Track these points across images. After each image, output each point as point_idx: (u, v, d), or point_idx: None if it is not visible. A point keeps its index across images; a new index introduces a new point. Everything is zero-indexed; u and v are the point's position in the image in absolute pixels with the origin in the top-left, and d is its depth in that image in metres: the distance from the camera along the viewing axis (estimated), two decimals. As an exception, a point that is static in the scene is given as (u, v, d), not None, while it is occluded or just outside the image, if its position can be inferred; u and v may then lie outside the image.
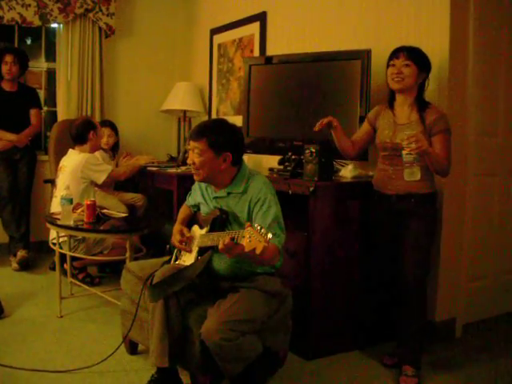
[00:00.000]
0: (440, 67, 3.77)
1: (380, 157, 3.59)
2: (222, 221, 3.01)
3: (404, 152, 3.27)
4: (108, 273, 5.38)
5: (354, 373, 3.54)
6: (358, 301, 3.81)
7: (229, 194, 3.08)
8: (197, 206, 3.35)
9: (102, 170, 4.79)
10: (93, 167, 4.74)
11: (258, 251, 2.47)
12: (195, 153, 3.00)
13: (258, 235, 2.48)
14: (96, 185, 4.87)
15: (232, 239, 2.62)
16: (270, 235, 2.50)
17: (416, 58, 3.40)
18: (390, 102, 3.55)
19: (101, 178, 4.77)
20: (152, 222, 4.48)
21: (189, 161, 3.08)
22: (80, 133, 4.86)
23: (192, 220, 3.34)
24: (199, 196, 3.29)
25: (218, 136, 3.00)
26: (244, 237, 2.52)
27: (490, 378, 3.49)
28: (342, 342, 3.80)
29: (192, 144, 3.02)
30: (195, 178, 3.11)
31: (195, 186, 3.37)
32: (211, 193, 3.17)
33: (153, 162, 5.51)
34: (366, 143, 3.74)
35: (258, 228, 2.51)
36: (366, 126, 3.71)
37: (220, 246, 2.68)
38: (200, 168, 3.01)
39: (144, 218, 5.34)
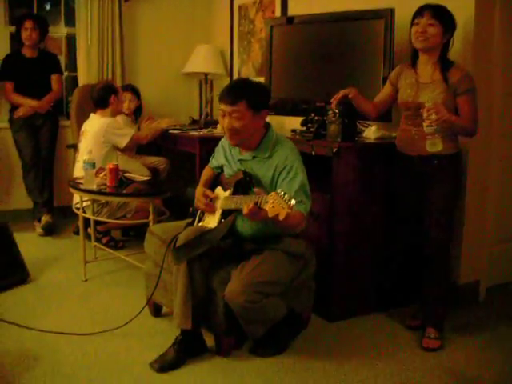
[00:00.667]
0: (465, 26, 3.69)
1: (403, 117, 3.54)
2: (245, 183, 3.00)
3: (424, 124, 3.20)
4: (132, 236, 5.41)
5: (376, 334, 3.54)
6: (382, 263, 3.80)
7: (254, 157, 3.07)
8: (220, 168, 3.34)
9: (124, 134, 4.79)
10: (115, 131, 4.74)
11: (281, 217, 2.47)
12: (234, 117, 2.95)
13: (282, 201, 2.47)
14: (118, 149, 4.87)
15: (256, 203, 2.61)
16: (293, 202, 2.49)
17: (441, 17, 3.31)
18: (413, 61, 3.49)
19: (123, 142, 4.77)
20: (175, 185, 4.48)
21: (226, 125, 3.00)
22: (101, 97, 4.86)
23: (215, 182, 3.33)
24: (222, 158, 3.27)
25: (255, 95, 2.99)
26: (267, 202, 2.51)
27: (512, 342, 3.49)
28: (365, 304, 3.81)
29: (228, 108, 2.96)
30: (232, 142, 3.08)
31: (219, 147, 3.36)
32: (236, 155, 3.15)
33: (175, 126, 5.49)
34: (388, 104, 3.69)
35: (282, 194, 2.50)
36: (387, 87, 3.65)
37: (244, 211, 2.67)
38: (241, 132, 2.97)
39: (167, 181, 5.35)
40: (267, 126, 3.12)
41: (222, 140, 3.34)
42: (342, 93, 3.62)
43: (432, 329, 3.41)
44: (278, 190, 2.54)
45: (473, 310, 3.91)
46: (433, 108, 3.14)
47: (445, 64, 3.35)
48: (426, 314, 3.51)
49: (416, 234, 3.52)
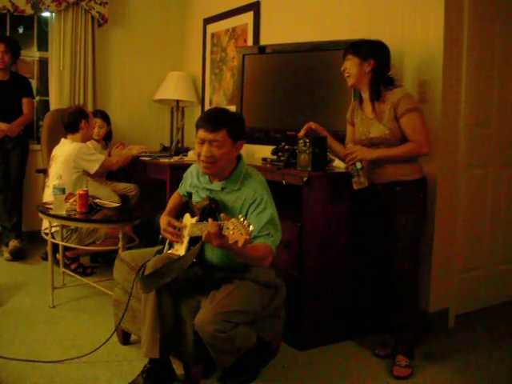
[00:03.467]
0: (434, 58, 3.77)
1: None
2: (211, 210, 2.99)
3: (347, 165, 3.40)
4: (100, 263, 5.38)
5: (347, 363, 3.54)
6: (351, 292, 3.81)
7: (223, 189, 3.07)
8: (189, 195, 3.34)
9: (95, 159, 4.77)
10: (85, 157, 4.72)
11: (239, 243, 2.47)
12: (214, 145, 2.93)
13: (241, 227, 2.47)
14: (88, 174, 4.86)
15: (218, 227, 2.60)
16: (251, 228, 2.49)
17: (355, 49, 3.43)
18: (360, 98, 3.58)
19: (93, 168, 4.75)
20: (144, 212, 4.47)
21: (204, 153, 2.96)
22: (72, 121, 4.84)
23: (184, 208, 3.32)
24: (190, 185, 3.27)
25: (235, 125, 3.00)
26: (228, 228, 2.51)
27: (483, 368, 3.50)
28: (336, 332, 3.81)
29: (209, 136, 2.94)
30: (207, 171, 3.05)
31: (186, 174, 3.36)
32: (204, 183, 3.15)
33: (145, 152, 5.50)
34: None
35: (242, 220, 2.50)
36: (349, 128, 3.74)
37: (204, 236, 2.65)
38: (218, 160, 2.96)
39: (136, 208, 5.33)
40: (238, 157, 3.13)
41: (191, 167, 3.33)
42: (307, 126, 3.70)
43: (402, 356, 3.42)
44: (239, 216, 2.54)
45: (442, 338, 3.93)
46: (348, 150, 3.40)
47: (376, 95, 3.42)
48: (396, 342, 3.52)
49: (383, 263, 3.54)
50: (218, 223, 2.60)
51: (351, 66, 3.43)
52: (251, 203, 2.96)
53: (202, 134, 2.96)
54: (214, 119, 2.98)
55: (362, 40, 3.47)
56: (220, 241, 2.60)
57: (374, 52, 3.41)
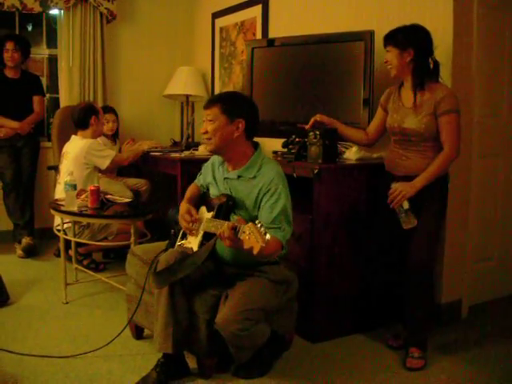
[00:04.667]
0: (444, 48, 3.73)
1: (392, 140, 3.58)
2: (227, 208, 3.00)
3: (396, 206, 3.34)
4: (113, 259, 5.39)
5: (359, 355, 3.54)
6: (364, 284, 3.80)
7: (239, 177, 3.07)
8: (206, 187, 3.33)
9: (106, 155, 4.78)
10: (96, 153, 4.73)
11: (254, 251, 2.50)
12: (207, 120, 3.00)
13: (258, 234, 2.47)
14: (99, 170, 4.87)
15: (234, 230, 2.61)
16: (268, 236, 2.50)
17: (394, 39, 3.38)
18: (401, 85, 3.53)
19: (104, 164, 4.76)
20: (156, 207, 4.48)
21: (201, 130, 3.06)
22: (82, 118, 4.85)
23: (201, 200, 3.31)
24: (210, 175, 3.27)
25: (231, 102, 3.02)
26: (244, 232, 2.52)
27: (496, 360, 3.49)
28: (348, 325, 3.81)
29: (205, 113, 3.02)
30: (207, 148, 3.10)
31: (208, 165, 3.35)
32: (223, 173, 3.16)
33: (156, 148, 5.50)
34: (383, 129, 3.69)
35: (259, 226, 2.50)
36: (379, 112, 3.69)
37: (221, 236, 2.69)
38: (212, 136, 2.99)
39: (148, 203, 5.34)
40: (256, 146, 3.13)
41: (213, 157, 3.34)
42: (313, 119, 3.72)
43: (415, 348, 3.41)
44: (256, 222, 2.55)
45: (455, 329, 3.92)
46: (391, 191, 3.33)
47: (418, 85, 3.37)
48: (409, 334, 3.51)
49: (399, 254, 3.51)
50: (234, 226, 2.61)
51: (392, 58, 3.38)
52: (266, 192, 2.96)
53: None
54: (211, 97, 3.10)
55: (399, 28, 3.39)
56: (234, 243, 2.62)
57: (412, 40, 3.35)
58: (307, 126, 3.70)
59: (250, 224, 2.53)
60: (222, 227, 2.69)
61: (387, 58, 3.43)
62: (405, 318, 3.57)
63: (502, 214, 4.42)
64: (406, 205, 3.30)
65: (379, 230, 3.63)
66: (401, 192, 3.29)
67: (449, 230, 3.88)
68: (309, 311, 3.63)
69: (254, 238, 2.47)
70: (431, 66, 3.41)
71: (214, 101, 3.03)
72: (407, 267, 3.44)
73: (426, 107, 3.31)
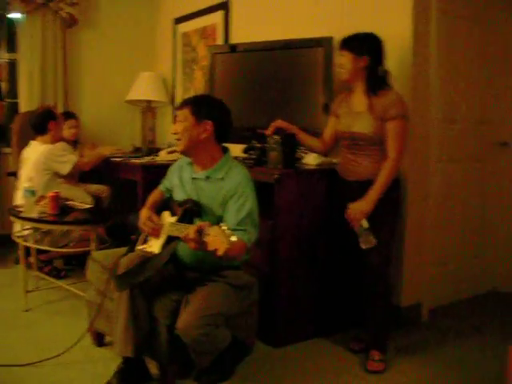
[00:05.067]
0: (403, 53, 3.79)
1: (341, 145, 3.62)
2: (192, 212, 3.00)
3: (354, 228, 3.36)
4: (74, 265, 5.33)
5: (321, 359, 3.56)
6: (325, 288, 3.83)
7: (207, 178, 3.07)
8: (170, 192, 3.33)
9: (66, 160, 4.74)
10: (56, 158, 4.69)
11: (219, 252, 2.49)
12: (178, 121, 3.04)
13: (223, 237, 2.48)
14: (60, 176, 4.82)
15: (198, 232, 2.62)
16: (234, 238, 2.50)
17: (349, 44, 3.42)
18: (351, 90, 3.57)
19: (65, 169, 4.72)
20: (116, 213, 4.45)
21: (172, 130, 3.11)
22: (40, 123, 4.81)
23: (164, 205, 3.31)
24: (176, 177, 3.26)
25: (201, 104, 3.06)
26: (209, 234, 2.52)
27: (455, 362, 3.54)
28: (309, 329, 3.82)
29: (177, 114, 3.08)
30: (177, 148, 3.13)
31: (173, 167, 3.36)
32: (190, 173, 3.16)
33: (117, 153, 5.47)
34: (335, 134, 3.71)
35: (225, 228, 2.51)
36: (331, 119, 3.72)
37: (186, 238, 2.69)
38: (181, 136, 3.02)
39: (108, 209, 5.30)
40: (225, 149, 3.16)
41: (180, 160, 3.34)
42: (273, 124, 3.74)
43: (376, 351, 3.45)
44: (221, 224, 2.55)
45: (416, 332, 3.97)
46: (348, 212, 3.35)
47: (371, 90, 3.42)
48: (369, 337, 3.54)
49: (356, 259, 3.55)
50: (199, 228, 2.61)
51: (346, 62, 3.42)
52: (233, 195, 2.97)
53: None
54: (184, 100, 3.15)
55: (355, 35, 3.44)
56: (198, 245, 2.63)
57: (368, 48, 3.41)
58: (268, 132, 3.72)
59: (214, 226, 2.54)
60: (187, 230, 2.70)
61: (341, 62, 3.47)
62: (364, 322, 3.60)
63: (461, 217, 4.50)
64: (365, 224, 3.32)
65: (339, 233, 3.65)
66: (355, 210, 3.33)
67: (407, 234, 3.92)
68: (270, 316, 3.64)
69: (219, 239, 2.48)
70: (381, 74, 3.47)
71: (186, 102, 3.08)
72: (363, 271, 3.48)
73: (375, 112, 3.36)
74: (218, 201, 3.02)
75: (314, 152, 3.85)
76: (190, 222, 2.96)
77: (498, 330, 4.02)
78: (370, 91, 3.41)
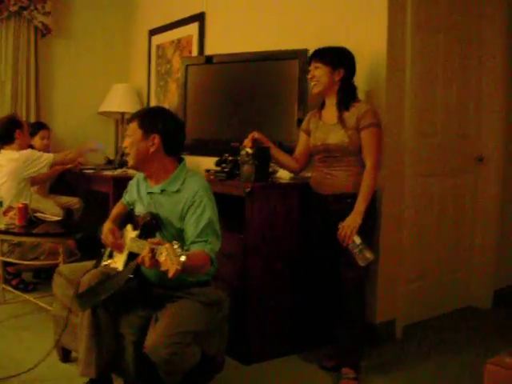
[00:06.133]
0: (378, 67, 3.79)
1: (315, 160, 3.59)
2: (151, 226, 2.94)
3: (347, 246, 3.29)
4: (44, 279, 5.24)
5: (294, 377, 3.52)
6: (298, 304, 3.78)
7: (162, 191, 3.01)
8: (132, 205, 3.27)
9: (45, 158, 4.68)
10: (35, 162, 4.62)
11: (170, 274, 2.43)
12: (127, 135, 3.01)
13: (173, 257, 2.42)
14: (34, 183, 4.75)
15: (151, 253, 2.55)
16: (183, 258, 2.44)
17: (324, 57, 3.42)
18: (322, 105, 3.56)
19: (47, 167, 4.67)
20: (86, 226, 4.39)
21: (122, 145, 3.08)
22: (5, 132, 4.73)
23: (128, 218, 3.25)
24: (135, 192, 3.22)
25: (147, 117, 3.01)
26: (162, 253, 2.47)
27: (431, 378, 3.51)
28: (281, 346, 3.77)
29: (127, 128, 3.04)
30: (128, 163, 3.09)
31: (132, 182, 3.31)
32: (146, 187, 3.11)
33: (81, 164, 5.47)
34: (308, 154, 3.70)
35: (176, 247, 2.45)
36: (302, 136, 3.70)
37: (139, 259, 2.63)
38: (130, 151, 2.99)
39: (79, 222, 5.24)
40: (180, 160, 3.10)
41: (138, 174, 3.29)
42: (250, 136, 3.66)
43: (349, 369, 3.40)
44: (174, 242, 2.50)
45: (390, 349, 3.93)
46: (340, 234, 3.28)
47: (344, 103, 3.41)
48: (343, 354, 3.49)
49: (330, 274, 3.51)
50: (152, 248, 2.55)
51: (321, 75, 3.41)
52: (190, 205, 2.91)
53: None
54: (133, 113, 3.14)
55: (329, 48, 3.45)
56: (153, 264, 2.56)
57: (343, 61, 3.42)
58: (246, 143, 3.66)
59: (167, 245, 2.48)
60: (143, 250, 2.63)
61: (315, 74, 3.45)
62: (338, 338, 3.55)
63: (437, 233, 4.47)
64: (357, 240, 3.26)
65: (315, 249, 3.62)
66: (348, 227, 3.27)
67: (382, 249, 3.89)
68: (241, 332, 3.58)
69: (170, 260, 2.42)
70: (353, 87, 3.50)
71: (134, 116, 3.04)
72: (337, 287, 3.44)
73: (349, 122, 3.36)
74: (176, 213, 2.96)
75: (288, 170, 3.82)
76: (150, 235, 2.89)
77: (473, 347, 3.99)
78: (341, 104, 3.41)
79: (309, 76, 3.50)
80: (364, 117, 3.32)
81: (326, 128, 3.47)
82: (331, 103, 3.47)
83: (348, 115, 3.37)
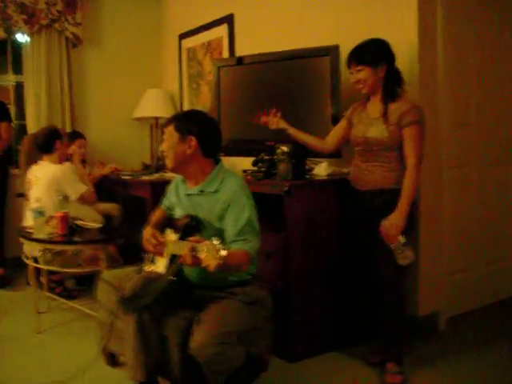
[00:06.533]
0: (410, 60, 3.76)
1: (355, 152, 3.58)
2: (191, 228, 2.96)
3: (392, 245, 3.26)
4: (86, 286, 5.29)
5: (338, 373, 3.51)
6: (338, 300, 3.78)
7: (201, 192, 3.03)
8: (171, 209, 3.30)
9: (79, 186, 4.70)
10: (70, 181, 4.64)
11: (210, 268, 2.45)
12: (164, 138, 3.04)
13: (214, 252, 2.44)
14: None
15: (191, 251, 2.57)
16: (223, 253, 2.46)
17: (364, 59, 3.37)
18: (368, 98, 3.53)
19: (74, 196, 4.67)
20: (127, 232, 4.42)
21: (160, 148, 3.14)
22: (46, 142, 4.78)
23: (167, 223, 3.28)
24: (174, 196, 3.24)
25: (183, 120, 3.03)
26: (202, 251, 2.49)
27: (475, 372, 3.47)
28: (325, 342, 3.77)
29: (164, 131, 3.07)
30: (167, 166, 3.12)
31: (171, 186, 3.33)
32: (185, 190, 3.13)
33: (118, 170, 5.55)
34: (341, 138, 3.69)
35: (216, 243, 2.47)
36: (343, 121, 3.69)
37: (181, 258, 2.65)
38: (167, 154, 3.02)
39: (119, 228, 5.28)
40: (217, 161, 3.11)
41: (176, 177, 3.32)
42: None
43: (393, 363, 3.39)
44: (214, 238, 2.51)
45: (434, 342, 3.90)
46: (383, 230, 3.26)
47: (389, 96, 3.38)
48: (386, 349, 3.48)
49: (370, 269, 3.50)
50: (193, 246, 2.57)
51: (366, 77, 3.38)
52: (229, 205, 2.92)
53: None
54: (169, 116, 3.18)
55: (364, 46, 3.41)
56: (194, 262, 2.58)
57: (383, 55, 3.38)
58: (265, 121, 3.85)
59: (207, 242, 2.49)
60: (184, 249, 2.65)
61: (360, 78, 3.40)
62: (381, 333, 3.54)
63: (477, 223, 4.42)
64: (402, 239, 3.25)
65: (355, 245, 3.61)
66: (395, 226, 3.25)
67: (422, 242, 3.87)
68: (284, 330, 3.59)
69: (211, 255, 2.44)
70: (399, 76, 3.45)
71: (170, 119, 3.06)
72: (376, 282, 3.43)
73: (392, 118, 3.33)
74: (215, 214, 2.98)
75: (314, 150, 3.79)
76: (191, 237, 2.91)
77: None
78: (387, 98, 3.38)
79: (353, 80, 3.45)
80: (407, 114, 3.28)
81: (369, 121, 3.45)
82: (376, 97, 3.45)
83: (391, 110, 3.34)
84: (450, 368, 3.52)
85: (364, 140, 3.43)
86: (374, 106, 3.46)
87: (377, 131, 3.36)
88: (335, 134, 3.71)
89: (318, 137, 3.76)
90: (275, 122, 3.85)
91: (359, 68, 3.39)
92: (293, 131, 3.78)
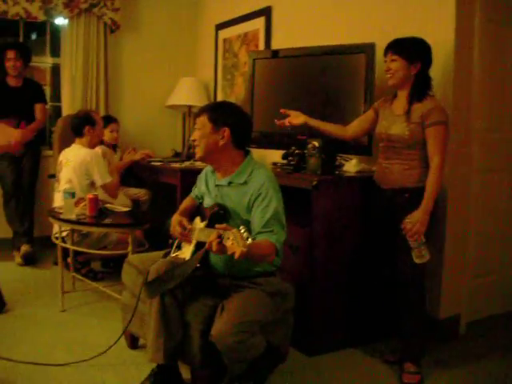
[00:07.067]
0: (445, 60, 3.73)
1: (379, 149, 3.59)
2: (219, 216, 2.99)
3: (411, 240, 3.27)
4: (112, 268, 5.36)
5: (355, 369, 3.52)
6: (361, 297, 3.78)
7: (230, 183, 3.07)
8: (201, 198, 3.33)
9: (105, 176, 4.75)
10: (99, 167, 4.69)
11: (236, 255, 2.47)
12: (196, 128, 3.07)
13: (240, 240, 2.46)
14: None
15: (218, 238, 2.60)
16: (250, 240, 2.49)
17: (401, 50, 3.36)
18: (395, 95, 3.53)
19: (99, 182, 4.72)
20: (154, 217, 4.47)
21: (191, 138, 3.15)
22: (76, 126, 4.87)
23: (196, 211, 3.32)
24: (203, 185, 3.28)
25: (217, 111, 3.06)
26: (229, 238, 2.51)
27: (494, 376, 3.46)
28: (344, 339, 3.78)
29: (196, 121, 3.10)
30: (196, 155, 3.14)
31: (201, 175, 3.37)
32: (215, 180, 3.17)
33: (149, 157, 5.57)
34: (365, 127, 3.70)
35: (242, 231, 2.49)
36: (370, 111, 3.69)
37: (207, 245, 2.67)
38: (199, 143, 3.05)
39: (147, 213, 5.34)
40: (247, 153, 3.14)
41: (206, 167, 3.35)
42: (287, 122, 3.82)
43: (410, 363, 3.39)
44: (241, 227, 2.54)
45: (454, 345, 3.89)
46: (407, 227, 3.26)
47: (415, 96, 3.37)
48: (405, 348, 3.48)
49: (390, 268, 3.50)
50: (219, 234, 2.60)
51: (397, 68, 3.37)
52: (257, 196, 2.95)
53: None
54: (202, 106, 3.17)
55: (407, 39, 3.40)
56: (220, 251, 2.61)
57: (421, 54, 3.37)
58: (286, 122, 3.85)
59: (234, 230, 2.52)
60: (210, 236, 2.68)
61: (391, 67, 3.40)
62: (399, 332, 3.54)
63: (503, 228, 4.38)
64: (422, 238, 3.27)
65: (377, 243, 3.61)
66: (421, 224, 3.25)
67: (447, 244, 3.85)
68: (305, 324, 3.60)
69: (236, 243, 2.47)
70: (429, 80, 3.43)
71: (203, 110, 3.09)
72: (396, 280, 3.44)
73: (414, 116, 3.32)
74: (243, 205, 3.01)
75: (335, 137, 3.77)
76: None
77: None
78: (414, 97, 3.36)
79: (385, 68, 3.45)
80: (431, 114, 3.26)
81: (392, 117, 3.45)
82: (403, 95, 3.43)
83: (414, 109, 3.33)
84: (469, 372, 3.51)
85: (386, 136, 3.44)
86: (399, 104, 3.46)
87: (398, 128, 3.36)
88: (360, 123, 3.72)
89: (338, 124, 3.76)
90: (295, 116, 3.84)
91: (394, 58, 3.38)
92: (313, 122, 3.78)
